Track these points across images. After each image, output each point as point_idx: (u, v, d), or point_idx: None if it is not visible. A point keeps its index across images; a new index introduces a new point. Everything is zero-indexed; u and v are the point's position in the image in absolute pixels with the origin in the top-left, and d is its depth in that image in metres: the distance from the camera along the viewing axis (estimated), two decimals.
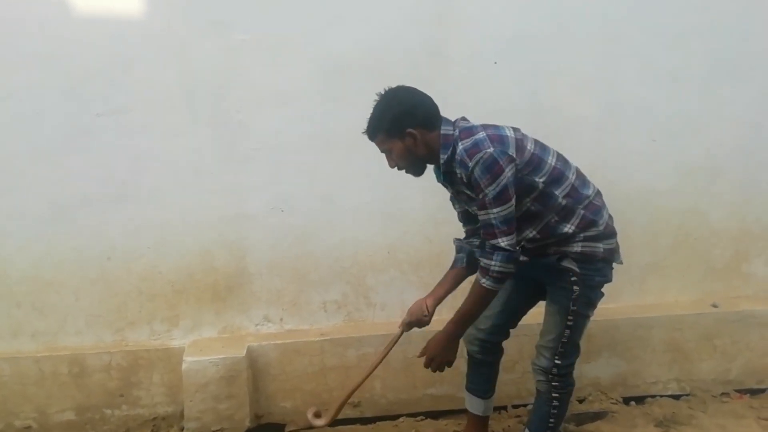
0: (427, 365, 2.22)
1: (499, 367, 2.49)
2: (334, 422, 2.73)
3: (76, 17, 2.53)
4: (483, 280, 2.04)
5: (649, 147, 2.93)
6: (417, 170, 2.14)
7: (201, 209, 2.72)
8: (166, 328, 2.82)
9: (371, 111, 2.06)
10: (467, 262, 2.30)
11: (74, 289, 2.73)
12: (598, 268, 2.16)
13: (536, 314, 2.92)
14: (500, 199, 1.95)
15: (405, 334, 2.37)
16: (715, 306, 3.01)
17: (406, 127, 2.02)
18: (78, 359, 2.71)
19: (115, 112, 2.61)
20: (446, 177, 2.11)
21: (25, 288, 2.70)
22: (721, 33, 2.88)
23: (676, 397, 2.95)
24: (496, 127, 2.07)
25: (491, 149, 1.95)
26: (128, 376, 2.75)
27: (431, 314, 2.30)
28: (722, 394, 2.98)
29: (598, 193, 2.21)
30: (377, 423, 2.78)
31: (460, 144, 2.00)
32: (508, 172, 1.95)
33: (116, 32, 2.56)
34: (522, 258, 2.06)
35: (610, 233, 2.17)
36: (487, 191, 1.95)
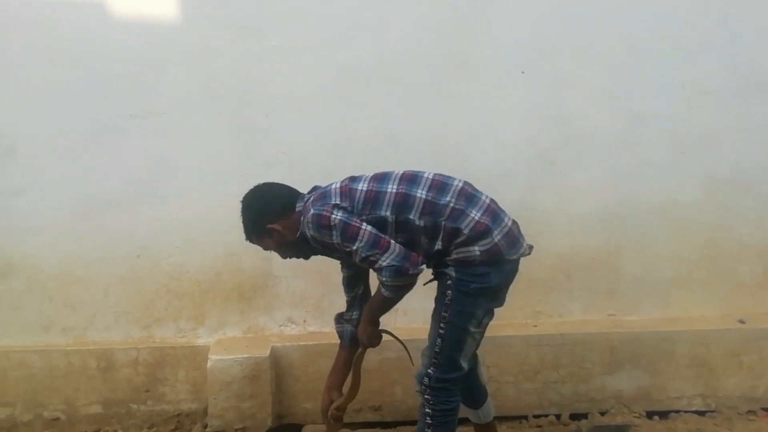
0: (325, 404, 2.30)
1: (477, 374, 2.35)
2: (355, 425, 2.80)
3: (111, 20, 2.63)
4: (383, 290, 2.04)
5: (673, 159, 2.90)
6: (302, 254, 2.21)
7: (226, 211, 2.71)
8: (192, 327, 2.87)
9: None
10: (350, 341, 2.33)
11: (104, 286, 2.81)
12: (478, 273, 1.99)
13: (558, 324, 2.94)
14: (348, 235, 1.97)
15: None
16: (742, 322, 2.95)
17: (265, 224, 2.11)
18: (106, 354, 2.79)
19: (145, 113, 2.70)
20: (311, 246, 2.12)
21: (57, 284, 2.79)
22: (744, 45, 2.86)
23: (701, 413, 2.90)
24: (324, 187, 2.15)
25: (311, 211, 2.01)
26: (154, 372, 2.81)
27: (342, 404, 2.31)
28: (748, 411, 2.91)
29: (461, 193, 2.05)
30: (397, 428, 2.79)
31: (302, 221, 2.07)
32: (337, 215, 1.98)
33: (148, 36, 2.65)
34: (414, 270, 1.97)
35: (481, 233, 1.98)
36: (334, 241, 1.98)
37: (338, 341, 2.78)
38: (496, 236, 2.00)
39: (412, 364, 2.33)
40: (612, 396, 2.90)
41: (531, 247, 2.16)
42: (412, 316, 2.95)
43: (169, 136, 2.72)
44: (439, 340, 2.06)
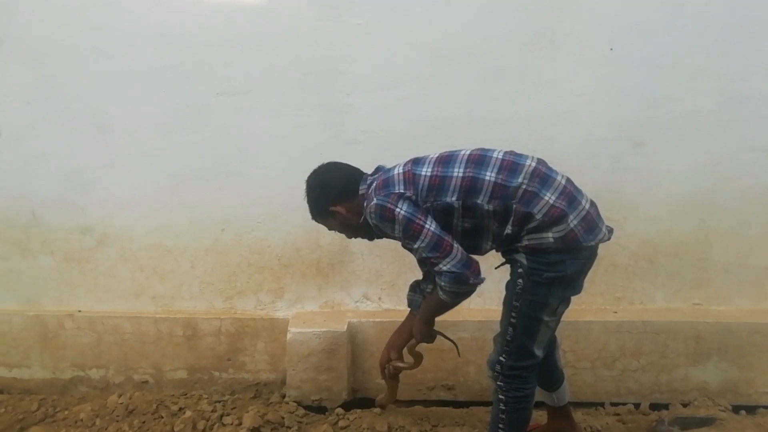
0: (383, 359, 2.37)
1: (555, 357, 2.29)
2: (428, 403, 2.82)
3: (200, 2, 2.71)
4: (440, 293, 2.03)
5: None
6: (366, 236, 2.20)
7: None
8: (272, 300, 2.96)
9: None
10: (419, 308, 2.35)
11: (191, 257, 2.93)
12: (551, 261, 1.89)
13: (640, 311, 2.85)
14: (411, 233, 1.93)
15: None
16: None
17: (328, 206, 2.13)
18: (191, 323, 2.91)
19: (232, 92, 2.77)
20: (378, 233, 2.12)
21: (148, 254, 2.93)
22: None
23: None
24: (387, 170, 2.11)
25: (374, 200, 1.98)
26: (235, 341, 2.92)
27: (398, 362, 2.41)
28: None
29: (534, 174, 1.92)
30: (470, 408, 2.79)
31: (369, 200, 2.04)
32: (401, 208, 1.94)
33: (235, 17, 2.72)
34: (475, 280, 1.96)
35: (556, 219, 1.87)
36: (396, 235, 1.96)
37: None
38: (572, 221, 1.88)
39: (459, 356, 2.44)
40: (696, 388, 2.80)
41: (611, 231, 2.02)
42: (487, 297, 2.94)
43: (255, 114, 2.79)
44: (510, 329, 2.00)
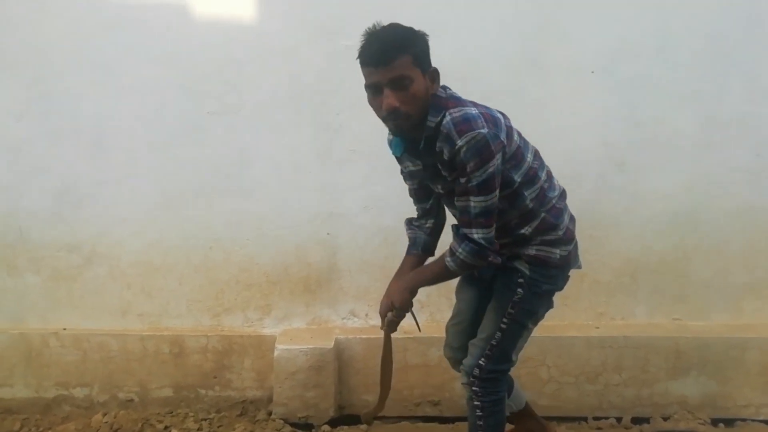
0: (384, 309, 2.07)
1: None
2: (414, 419, 2.84)
3: (195, 21, 2.73)
4: (448, 259, 1.88)
5: (752, 162, 2.82)
6: (416, 123, 1.77)
7: (298, 206, 2.87)
8: (259, 317, 2.97)
9: (381, 31, 1.77)
10: (423, 248, 2.17)
11: (179, 275, 2.93)
12: (551, 275, 1.98)
13: (621, 327, 2.91)
14: (485, 187, 1.74)
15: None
16: None
17: (430, 63, 1.76)
18: (178, 340, 2.90)
19: (226, 110, 2.79)
20: (425, 145, 1.82)
21: (136, 271, 2.92)
22: None
23: None
24: (486, 106, 1.83)
25: (485, 130, 1.70)
26: (222, 359, 2.91)
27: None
28: None
29: (562, 195, 2.02)
30: (456, 423, 2.81)
31: (447, 115, 1.74)
32: (498, 160, 1.73)
33: (229, 36, 2.74)
34: (494, 258, 1.86)
35: (568, 239, 1.99)
36: (471, 177, 1.73)
37: (399, 336, 2.82)
38: (572, 246, 2.03)
39: (419, 330, 2.30)
40: (676, 401, 2.86)
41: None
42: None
43: (247, 133, 2.82)
44: (498, 333, 2.01)
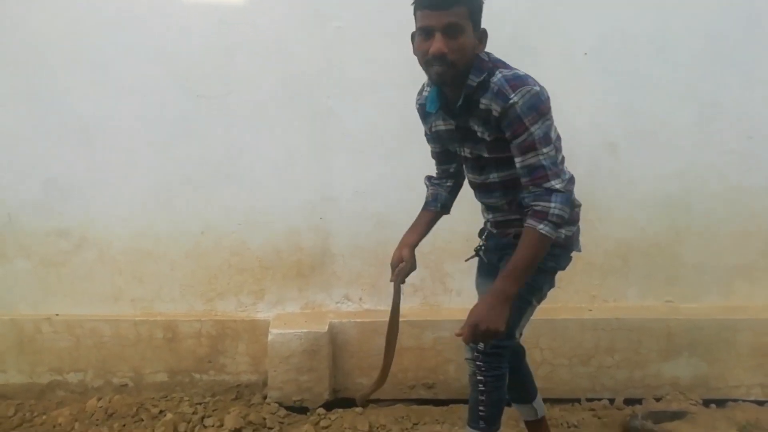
0: (468, 336, 1.82)
1: (526, 365, 2.29)
2: (409, 401, 2.86)
3: (183, 8, 2.71)
4: (540, 227, 1.77)
5: (743, 144, 2.82)
6: (460, 74, 1.79)
7: (290, 191, 2.86)
8: (252, 301, 2.97)
9: None
10: (442, 205, 2.17)
11: (170, 261, 2.92)
12: (555, 253, 1.96)
13: (614, 309, 2.92)
14: (546, 138, 1.75)
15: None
16: None
17: (481, 23, 1.79)
18: (171, 325, 2.90)
19: (216, 97, 2.77)
20: (463, 104, 1.83)
21: (127, 258, 2.92)
22: None
23: (761, 403, 2.85)
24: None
25: (538, 87, 1.75)
26: (216, 343, 2.92)
27: (411, 260, 2.14)
28: None
29: (571, 180, 1.94)
30: (451, 405, 2.83)
31: (498, 73, 1.77)
32: (551, 115, 1.79)
33: (219, 23, 2.71)
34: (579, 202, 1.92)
35: (573, 220, 1.99)
36: (532, 129, 1.73)
37: None
38: (576, 228, 2.04)
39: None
40: (668, 382, 2.88)
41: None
42: (466, 296, 2.98)
43: (236, 119, 2.80)
44: None
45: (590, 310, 2.92)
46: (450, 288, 3.00)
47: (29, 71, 2.76)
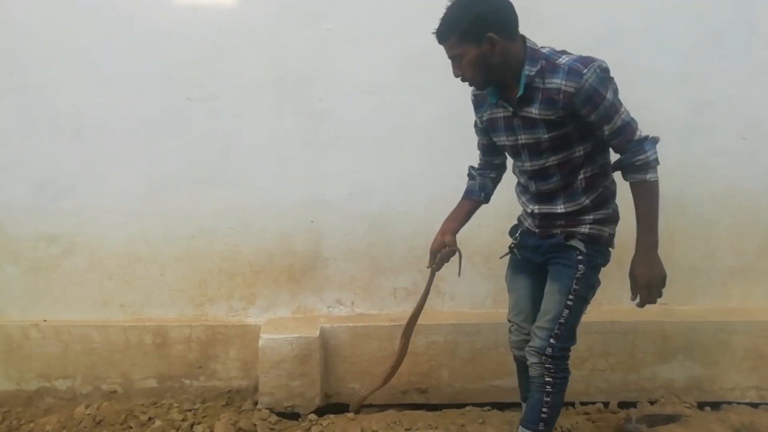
0: (644, 297, 2.02)
1: None
2: (401, 406, 2.83)
3: (175, 5, 2.68)
4: (649, 175, 1.95)
5: (739, 146, 2.82)
6: (484, 82, 2.00)
7: (283, 194, 2.84)
8: (243, 306, 2.94)
9: (445, 11, 1.92)
10: (485, 195, 2.30)
11: (160, 265, 2.89)
12: (602, 251, 2.12)
13: (608, 312, 2.90)
14: (618, 100, 1.92)
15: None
16: None
17: (487, 30, 1.87)
18: (161, 330, 2.87)
19: (208, 97, 2.75)
20: (525, 92, 1.94)
21: (117, 262, 2.88)
22: None
23: (755, 406, 2.84)
24: None
25: (603, 62, 1.91)
26: (206, 349, 2.88)
27: (454, 245, 2.26)
28: None
29: (614, 181, 2.16)
30: (444, 410, 2.80)
31: (563, 56, 1.93)
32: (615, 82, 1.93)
33: (212, 21, 2.69)
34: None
35: (616, 219, 2.14)
36: (608, 96, 1.89)
37: (385, 323, 2.83)
38: (616, 227, 2.15)
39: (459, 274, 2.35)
40: (663, 385, 2.87)
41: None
42: (459, 300, 2.97)
43: (229, 120, 2.78)
44: (566, 311, 2.07)
45: (584, 313, 2.90)
46: (443, 292, 2.97)
47: (9, 67, 2.72)
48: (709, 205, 2.85)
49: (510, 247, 2.27)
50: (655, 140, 1.96)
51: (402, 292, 2.96)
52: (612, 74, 1.92)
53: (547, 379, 2.10)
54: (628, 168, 1.98)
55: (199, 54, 2.71)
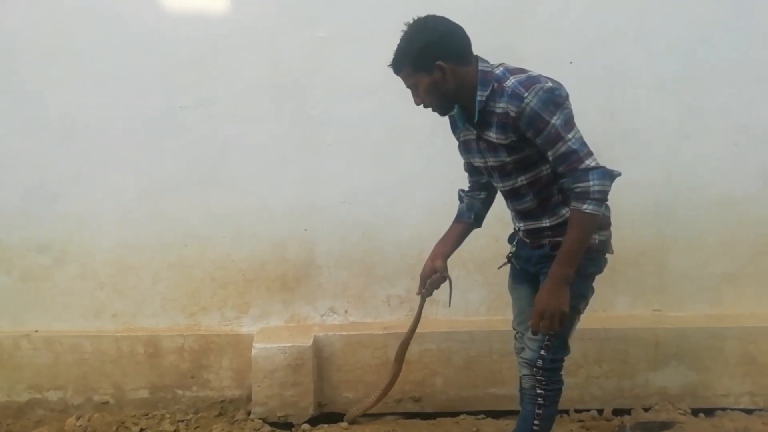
0: (536, 326, 1.93)
1: None
2: (395, 415, 2.82)
3: (170, 8, 2.69)
4: (584, 206, 1.85)
5: (730, 152, 2.84)
6: (444, 108, 2.01)
7: (276, 200, 2.84)
8: (236, 315, 2.92)
9: (398, 41, 1.94)
10: (475, 216, 2.25)
11: (152, 274, 2.87)
12: (592, 258, 2.03)
13: (602, 319, 2.90)
14: (568, 125, 1.85)
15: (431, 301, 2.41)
16: None
17: (436, 59, 1.88)
18: (153, 340, 2.84)
19: (203, 101, 2.75)
20: (480, 118, 1.94)
21: (109, 271, 2.87)
22: None
23: (749, 412, 2.84)
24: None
25: (550, 83, 1.85)
26: (199, 358, 2.86)
27: (445, 271, 2.22)
28: None
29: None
30: (438, 419, 2.79)
31: (511, 78, 1.88)
32: (570, 105, 1.87)
33: (207, 24, 2.70)
34: (616, 173, 1.88)
35: (605, 224, 2.05)
36: (553, 120, 1.83)
37: (379, 332, 2.82)
38: (609, 232, 2.09)
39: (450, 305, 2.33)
40: (656, 392, 2.86)
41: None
42: (453, 308, 2.94)
43: (224, 125, 2.78)
44: None
45: (578, 323, 2.90)
46: (437, 299, 2.91)
47: (7, 71, 2.72)
48: (699, 211, 2.86)
49: (507, 257, 2.26)
50: (606, 173, 1.86)
51: (396, 300, 2.95)
52: (561, 95, 1.85)
53: (538, 391, 2.08)
54: (567, 193, 1.90)
55: (194, 56, 2.72)
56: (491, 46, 2.69)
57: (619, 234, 2.84)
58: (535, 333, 1.97)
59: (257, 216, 2.83)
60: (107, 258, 2.85)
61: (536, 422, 2.09)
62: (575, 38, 2.74)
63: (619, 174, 1.90)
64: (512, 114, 1.86)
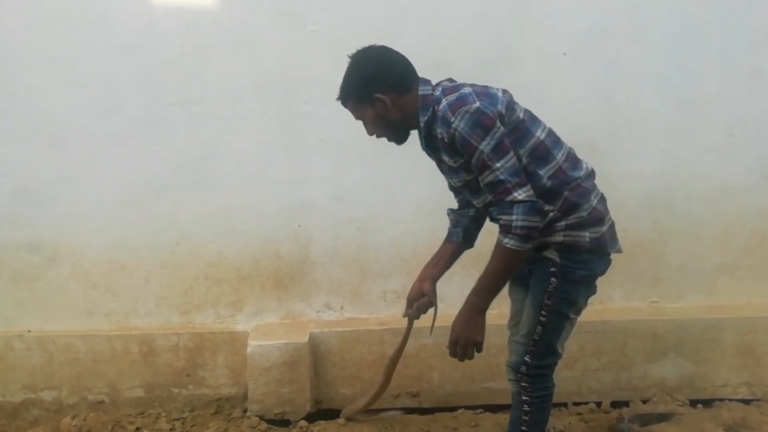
0: (452, 351, 1.94)
1: None
2: (394, 410, 2.81)
3: (155, 8, 2.65)
4: (506, 240, 1.79)
5: (725, 144, 2.82)
6: (396, 137, 1.99)
7: (267, 198, 2.81)
8: (231, 313, 2.91)
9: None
10: (464, 236, 2.17)
11: (145, 273, 2.85)
12: (584, 260, 1.93)
13: (599, 311, 2.89)
14: (499, 151, 1.77)
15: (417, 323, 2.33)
16: None
17: (374, 92, 1.87)
18: (147, 339, 2.83)
19: (189, 101, 2.72)
20: (428, 142, 1.93)
21: (101, 270, 2.84)
22: None
23: (747, 402, 2.84)
24: (484, 86, 1.91)
25: (477, 103, 1.78)
26: (194, 357, 2.84)
27: (432, 295, 2.18)
28: None
29: (590, 175, 2.00)
30: (436, 414, 2.79)
31: (444, 100, 1.83)
32: (500, 126, 1.78)
33: (191, 23, 2.66)
34: (548, 208, 1.81)
35: (596, 220, 1.93)
36: (481, 146, 1.76)
37: (375, 327, 2.81)
38: (605, 226, 1.98)
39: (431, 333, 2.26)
40: (654, 384, 2.86)
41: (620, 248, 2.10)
42: (449, 303, 2.92)
43: (211, 124, 2.75)
44: (539, 327, 1.96)
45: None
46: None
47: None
48: (696, 203, 2.85)
49: None
50: (534, 208, 1.77)
51: (392, 295, 2.94)
52: (489, 115, 1.77)
53: (523, 398, 2.02)
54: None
55: (181, 58, 2.69)
56: (489, 39, 2.70)
57: (617, 226, 2.85)
58: (455, 357, 1.95)
59: (249, 214, 2.81)
60: (99, 257, 2.83)
61: (523, 428, 2.04)
62: (569, 33, 2.71)
63: (552, 210, 1.84)
64: (446, 139, 1.83)
